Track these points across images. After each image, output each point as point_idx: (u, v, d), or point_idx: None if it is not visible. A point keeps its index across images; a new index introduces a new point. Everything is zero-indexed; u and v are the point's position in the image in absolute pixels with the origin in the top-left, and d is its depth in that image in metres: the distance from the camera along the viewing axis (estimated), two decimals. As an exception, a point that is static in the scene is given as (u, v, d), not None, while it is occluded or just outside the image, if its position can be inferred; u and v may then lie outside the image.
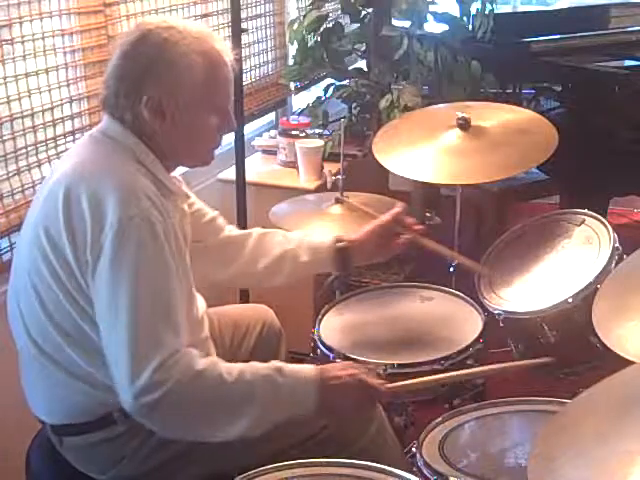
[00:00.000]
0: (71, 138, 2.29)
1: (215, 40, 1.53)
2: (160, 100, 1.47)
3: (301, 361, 1.81)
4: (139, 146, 1.51)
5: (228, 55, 1.55)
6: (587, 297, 1.78)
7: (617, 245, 1.90)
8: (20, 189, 2.11)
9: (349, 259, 1.90)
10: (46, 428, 1.59)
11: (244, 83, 2.62)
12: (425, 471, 1.52)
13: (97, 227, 1.38)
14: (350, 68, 3.47)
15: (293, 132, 3.18)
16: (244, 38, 2.85)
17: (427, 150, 2.20)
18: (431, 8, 3.27)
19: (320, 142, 3.08)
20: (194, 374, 1.39)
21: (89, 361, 1.46)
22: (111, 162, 1.48)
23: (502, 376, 2.09)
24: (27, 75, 2.08)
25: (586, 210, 2.08)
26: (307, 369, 1.51)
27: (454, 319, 2.02)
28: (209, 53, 1.50)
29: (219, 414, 1.42)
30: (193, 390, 1.39)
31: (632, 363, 1.28)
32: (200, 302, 1.73)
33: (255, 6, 3.36)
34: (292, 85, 3.58)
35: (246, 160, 2.66)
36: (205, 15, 2.97)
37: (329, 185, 2.82)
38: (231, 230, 1.91)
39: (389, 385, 1.60)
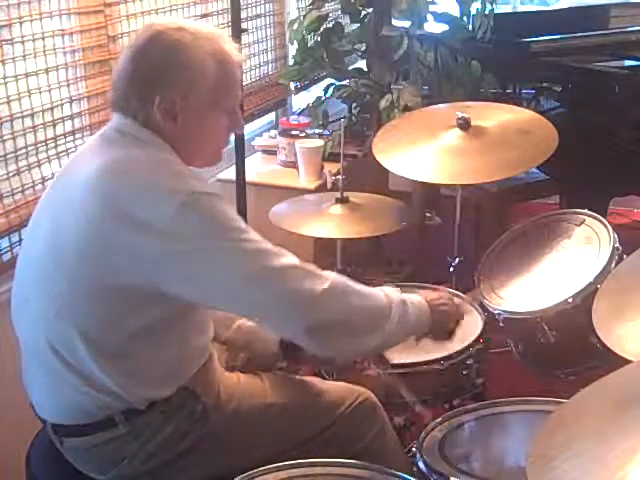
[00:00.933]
0: (71, 138, 2.29)
1: (225, 41, 1.52)
2: (173, 102, 1.45)
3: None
4: (161, 143, 1.48)
5: (238, 56, 1.54)
6: (587, 297, 1.78)
7: (617, 245, 1.90)
8: (20, 189, 2.11)
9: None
10: (47, 428, 1.59)
11: (244, 83, 2.62)
12: (425, 471, 1.52)
13: (168, 218, 1.35)
14: (350, 68, 3.47)
15: (293, 132, 3.19)
16: (244, 38, 2.84)
17: (427, 150, 2.20)
18: (431, 8, 3.26)
19: (320, 142, 3.08)
20: (347, 285, 1.52)
21: (103, 366, 1.44)
22: (144, 155, 1.45)
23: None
24: (27, 75, 2.09)
25: (586, 210, 2.08)
26: (417, 296, 1.64)
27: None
28: (220, 54, 1.49)
29: (365, 321, 1.51)
30: (347, 297, 1.50)
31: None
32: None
33: (255, 6, 3.37)
34: (292, 85, 3.58)
35: (246, 160, 2.66)
36: (205, 15, 2.97)
37: (329, 185, 2.82)
38: None
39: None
